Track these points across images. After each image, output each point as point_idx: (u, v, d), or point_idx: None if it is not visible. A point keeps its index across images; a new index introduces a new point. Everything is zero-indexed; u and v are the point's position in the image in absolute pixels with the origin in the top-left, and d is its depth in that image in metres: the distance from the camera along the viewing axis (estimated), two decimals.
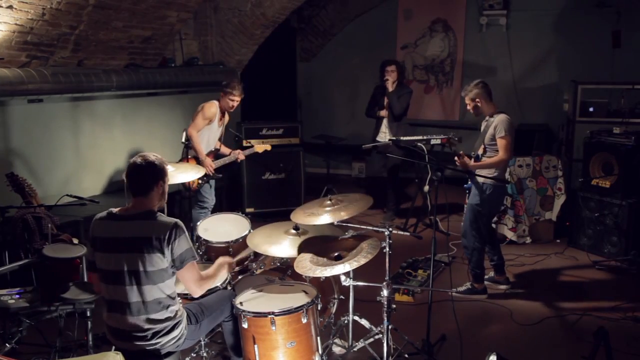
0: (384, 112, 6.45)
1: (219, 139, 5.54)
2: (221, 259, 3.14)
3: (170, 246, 2.67)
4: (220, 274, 3.06)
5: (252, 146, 5.68)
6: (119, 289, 2.70)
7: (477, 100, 4.53)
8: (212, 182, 5.49)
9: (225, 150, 5.60)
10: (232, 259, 3.23)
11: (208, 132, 5.33)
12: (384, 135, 6.44)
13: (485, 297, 4.71)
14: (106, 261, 2.75)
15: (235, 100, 5.28)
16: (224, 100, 5.30)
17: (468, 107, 4.62)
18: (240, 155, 5.52)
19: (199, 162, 5.21)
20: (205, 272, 2.96)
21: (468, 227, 4.64)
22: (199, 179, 5.18)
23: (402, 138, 6.03)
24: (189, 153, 5.31)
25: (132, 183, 2.79)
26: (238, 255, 3.56)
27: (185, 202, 5.71)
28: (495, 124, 4.45)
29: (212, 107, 5.28)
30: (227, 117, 5.55)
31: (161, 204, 2.87)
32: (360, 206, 3.59)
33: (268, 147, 5.77)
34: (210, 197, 5.46)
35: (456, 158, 4.51)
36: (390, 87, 6.33)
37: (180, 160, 5.19)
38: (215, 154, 5.49)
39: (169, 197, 3.04)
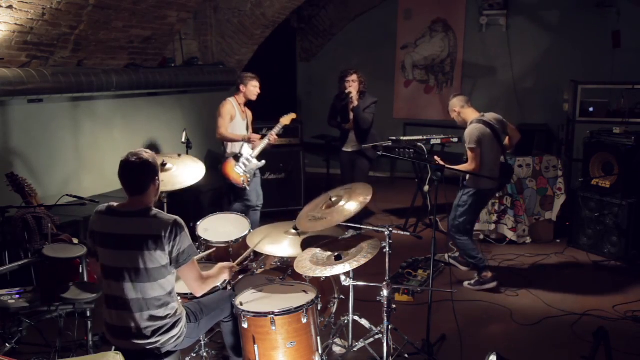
0: (350, 125, 5.98)
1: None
2: (222, 264, 3.13)
3: (171, 244, 2.67)
4: (221, 275, 3.06)
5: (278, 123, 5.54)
6: (119, 285, 2.70)
7: (456, 110, 4.78)
8: (257, 175, 5.53)
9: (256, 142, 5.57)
10: (233, 264, 3.21)
11: (234, 128, 5.44)
12: (354, 145, 6.04)
13: (496, 284, 4.78)
14: (106, 257, 2.74)
15: (257, 85, 5.43)
16: (247, 91, 5.42)
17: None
18: (271, 137, 5.45)
19: (237, 161, 5.36)
20: (207, 273, 2.96)
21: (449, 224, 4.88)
22: (247, 174, 5.36)
23: (402, 138, 6.01)
24: (225, 155, 5.47)
25: (128, 183, 2.75)
26: (239, 259, 3.53)
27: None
28: (465, 135, 4.64)
29: (227, 105, 5.43)
30: (249, 113, 5.64)
31: (156, 198, 2.86)
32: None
33: (293, 115, 5.61)
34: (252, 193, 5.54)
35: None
36: (356, 101, 5.81)
37: (219, 166, 5.44)
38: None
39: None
